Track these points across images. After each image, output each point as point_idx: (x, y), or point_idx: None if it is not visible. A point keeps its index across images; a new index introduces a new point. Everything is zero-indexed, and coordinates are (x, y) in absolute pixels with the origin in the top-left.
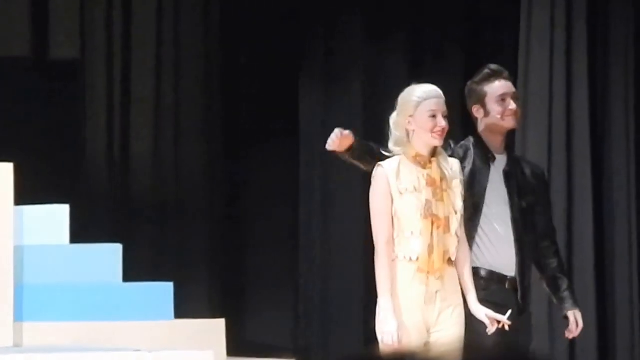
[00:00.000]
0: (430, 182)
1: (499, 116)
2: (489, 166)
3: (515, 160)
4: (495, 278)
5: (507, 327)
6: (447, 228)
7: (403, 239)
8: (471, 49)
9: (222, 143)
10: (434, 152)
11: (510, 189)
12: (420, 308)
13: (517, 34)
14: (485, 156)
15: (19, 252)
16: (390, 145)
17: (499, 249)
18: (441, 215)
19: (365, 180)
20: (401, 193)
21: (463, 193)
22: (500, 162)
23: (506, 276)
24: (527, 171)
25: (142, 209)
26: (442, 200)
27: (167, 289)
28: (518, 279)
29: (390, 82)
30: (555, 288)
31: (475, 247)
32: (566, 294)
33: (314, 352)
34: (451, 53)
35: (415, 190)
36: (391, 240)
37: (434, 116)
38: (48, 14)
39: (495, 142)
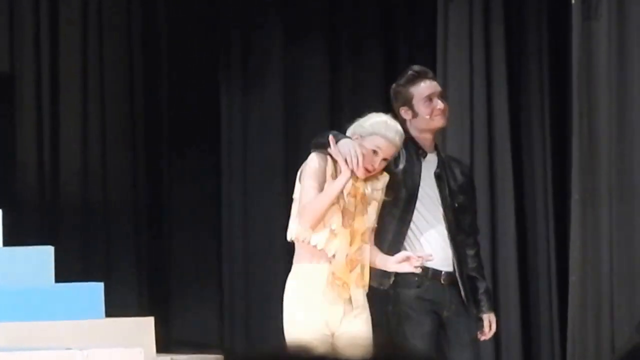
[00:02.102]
0: (354, 193)
1: (427, 117)
2: (421, 162)
3: (445, 160)
4: (429, 274)
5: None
6: (364, 239)
7: (322, 229)
8: (389, 47)
9: (145, 148)
10: None
11: (442, 190)
12: (323, 296)
13: (434, 31)
14: (417, 153)
15: None
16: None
17: (432, 244)
18: (359, 227)
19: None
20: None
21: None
22: (431, 161)
23: (441, 271)
24: (457, 170)
25: (71, 213)
26: (361, 212)
27: (97, 288)
28: (459, 279)
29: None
30: (473, 289)
31: (407, 243)
32: (483, 297)
33: (239, 347)
34: (369, 51)
35: (340, 196)
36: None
37: (375, 152)
38: None
39: (425, 141)
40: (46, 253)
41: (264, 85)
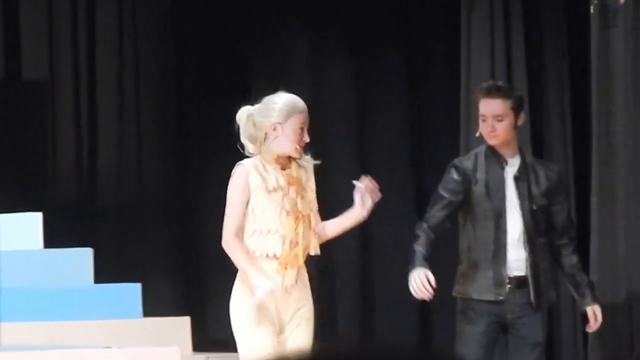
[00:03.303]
0: (293, 181)
1: (483, 134)
2: (503, 170)
3: (529, 164)
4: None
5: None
6: (309, 224)
7: (261, 237)
8: (411, 50)
9: (180, 152)
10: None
11: (520, 193)
12: (275, 302)
13: (456, 39)
14: (498, 162)
15: None
16: (244, 139)
17: (509, 247)
18: (304, 212)
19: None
20: (265, 191)
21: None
22: (513, 165)
23: (514, 275)
24: (541, 173)
25: (109, 215)
26: (303, 198)
27: (135, 289)
28: (531, 281)
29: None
30: (575, 284)
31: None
32: (586, 290)
33: None
34: (391, 56)
35: (278, 189)
36: (240, 233)
37: (302, 129)
38: (19, 35)
39: (504, 148)
40: (85, 255)
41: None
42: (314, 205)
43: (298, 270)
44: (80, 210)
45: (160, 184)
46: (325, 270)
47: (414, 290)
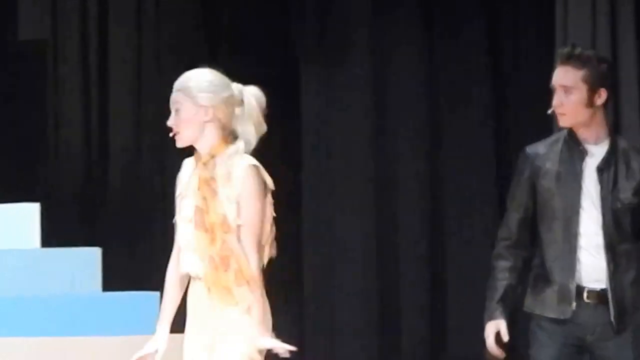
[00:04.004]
0: (201, 184)
1: (555, 110)
2: (583, 162)
3: (619, 151)
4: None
5: None
6: (225, 230)
7: (183, 252)
8: (491, 18)
9: None
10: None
11: (602, 188)
12: (202, 326)
13: None
14: (577, 150)
15: None
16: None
17: (582, 256)
18: (217, 222)
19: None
20: (179, 197)
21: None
22: (594, 157)
23: (584, 287)
24: (635, 164)
25: (123, 208)
26: (213, 206)
27: (152, 298)
28: (610, 294)
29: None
30: None
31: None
32: None
33: None
34: (468, 22)
35: (187, 194)
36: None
37: (172, 111)
38: None
39: (585, 132)
40: (92, 256)
41: (348, 61)
42: (231, 215)
43: (222, 294)
44: (87, 202)
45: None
46: (389, 250)
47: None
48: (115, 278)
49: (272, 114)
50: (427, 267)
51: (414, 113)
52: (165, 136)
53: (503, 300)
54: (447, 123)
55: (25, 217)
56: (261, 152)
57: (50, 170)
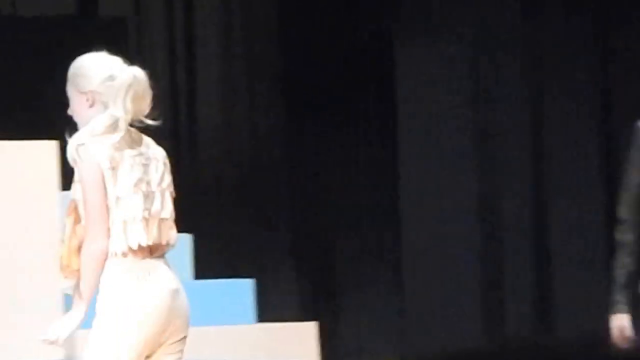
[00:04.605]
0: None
1: None
2: None
3: None
4: None
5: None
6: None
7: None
8: None
9: (302, 112)
10: None
11: None
12: None
13: None
14: None
15: None
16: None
17: None
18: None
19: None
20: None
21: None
22: None
23: None
24: None
25: (214, 193)
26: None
27: (246, 286)
28: None
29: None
30: None
31: None
32: None
33: (424, 358)
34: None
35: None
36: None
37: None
38: None
39: None
40: (183, 243)
41: (447, 34)
42: (80, 195)
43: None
44: (176, 188)
45: (277, 153)
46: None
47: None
48: (207, 265)
49: (367, 94)
50: (533, 244)
51: (514, 88)
52: (254, 116)
53: (626, 287)
54: (549, 98)
55: None
56: (356, 130)
57: None
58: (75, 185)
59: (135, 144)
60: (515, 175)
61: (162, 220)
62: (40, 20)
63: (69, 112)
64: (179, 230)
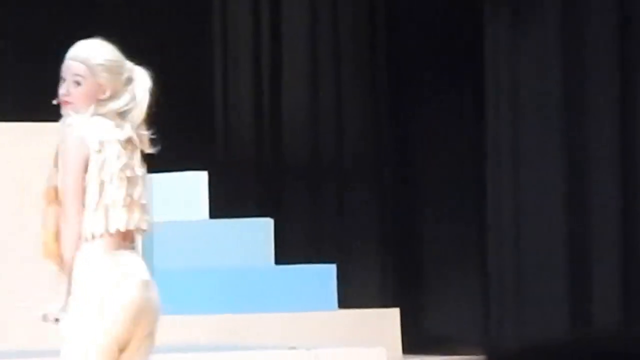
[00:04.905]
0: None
1: None
2: None
3: None
4: None
5: None
6: (48, 200)
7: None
8: None
9: (390, 95)
10: None
11: None
12: None
13: None
14: None
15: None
16: None
17: None
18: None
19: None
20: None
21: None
22: None
23: None
24: None
25: (296, 177)
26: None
27: (328, 272)
28: None
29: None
30: None
31: None
32: None
33: (508, 346)
34: None
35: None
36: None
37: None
38: None
39: None
40: (264, 227)
41: (539, 14)
42: (59, 180)
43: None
44: (258, 171)
45: (364, 136)
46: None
47: None
48: (288, 250)
49: (454, 75)
50: (620, 230)
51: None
52: (340, 99)
53: None
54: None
55: (193, 187)
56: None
57: (219, 136)
58: (52, 170)
59: (122, 128)
60: (603, 163)
61: (142, 205)
62: None
63: (64, 92)
64: (261, 215)
